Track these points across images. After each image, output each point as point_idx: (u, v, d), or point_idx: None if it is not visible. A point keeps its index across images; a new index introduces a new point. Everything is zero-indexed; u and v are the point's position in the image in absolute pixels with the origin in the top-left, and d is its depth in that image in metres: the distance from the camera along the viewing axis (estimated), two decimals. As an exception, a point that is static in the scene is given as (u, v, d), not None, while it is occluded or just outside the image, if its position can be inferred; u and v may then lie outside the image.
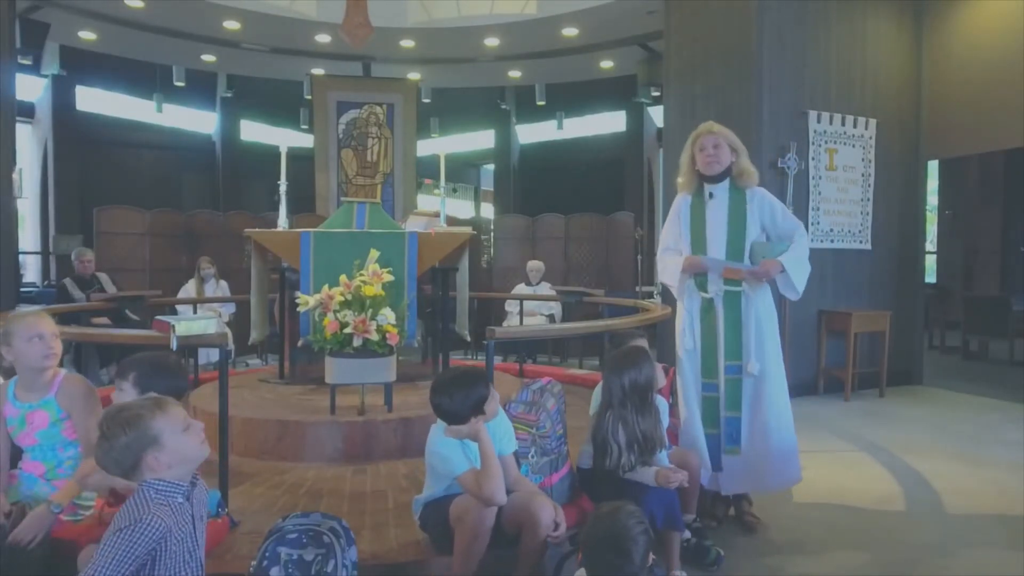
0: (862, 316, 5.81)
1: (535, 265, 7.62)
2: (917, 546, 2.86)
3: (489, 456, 2.18)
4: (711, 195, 3.04)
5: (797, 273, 2.96)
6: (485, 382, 2.26)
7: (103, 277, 6.53)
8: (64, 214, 9.84)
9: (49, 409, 2.36)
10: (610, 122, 11.59)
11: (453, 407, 2.20)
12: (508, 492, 2.25)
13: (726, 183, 3.03)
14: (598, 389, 2.73)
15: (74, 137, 10.02)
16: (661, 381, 2.73)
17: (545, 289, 7.45)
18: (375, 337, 3.39)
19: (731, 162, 3.01)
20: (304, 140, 10.20)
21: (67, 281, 6.40)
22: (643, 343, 2.98)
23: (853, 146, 6.07)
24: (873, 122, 6.13)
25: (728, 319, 2.98)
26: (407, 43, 8.98)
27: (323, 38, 8.69)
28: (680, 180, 3.14)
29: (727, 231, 3.00)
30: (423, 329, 5.40)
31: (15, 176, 5.96)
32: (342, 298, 3.45)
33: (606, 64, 9.78)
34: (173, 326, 2.64)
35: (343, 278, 3.53)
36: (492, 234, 8.85)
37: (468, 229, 4.67)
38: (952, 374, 6.81)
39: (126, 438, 1.61)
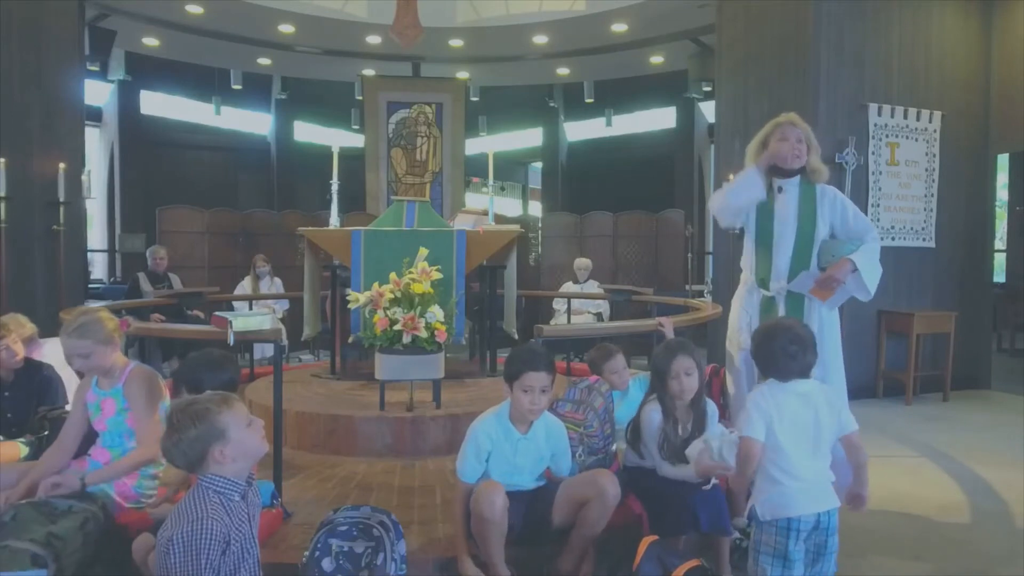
0: (925, 317, 5.59)
1: (583, 263, 7.58)
2: (981, 557, 2.74)
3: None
4: (780, 189, 2.90)
5: (870, 272, 2.81)
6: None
7: (175, 278, 6.77)
8: (129, 213, 10.23)
9: (116, 398, 2.49)
10: (660, 118, 11.42)
11: None
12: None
13: (796, 179, 2.91)
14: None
15: (138, 139, 10.40)
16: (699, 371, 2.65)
17: (593, 287, 7.40)
18: (424, 334, 3.42)
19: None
20: (355, 140, 10.36)
21: (140, 275, 6.65)
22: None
23: (916, 140, 5.84)
24: (938, 115, 5.88)
25: None
26: (456, 42, 9.03)
27: (374, 39, 8.81)
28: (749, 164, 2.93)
29: (796, 228, 2.86)
30: (471, 327, 5.43)
31: (84, 177, 6.23)
32: (392, 295, 3.50)
33: (656, 59, 9.64)
34: (231, 322, 2.74)
35: (393, 276, 3.57)
36: (540, 232, 8.84)
37: (516, 227, 4.68)
38: (1022, 378, 6.49)
39: (195, 431, 1.67)
